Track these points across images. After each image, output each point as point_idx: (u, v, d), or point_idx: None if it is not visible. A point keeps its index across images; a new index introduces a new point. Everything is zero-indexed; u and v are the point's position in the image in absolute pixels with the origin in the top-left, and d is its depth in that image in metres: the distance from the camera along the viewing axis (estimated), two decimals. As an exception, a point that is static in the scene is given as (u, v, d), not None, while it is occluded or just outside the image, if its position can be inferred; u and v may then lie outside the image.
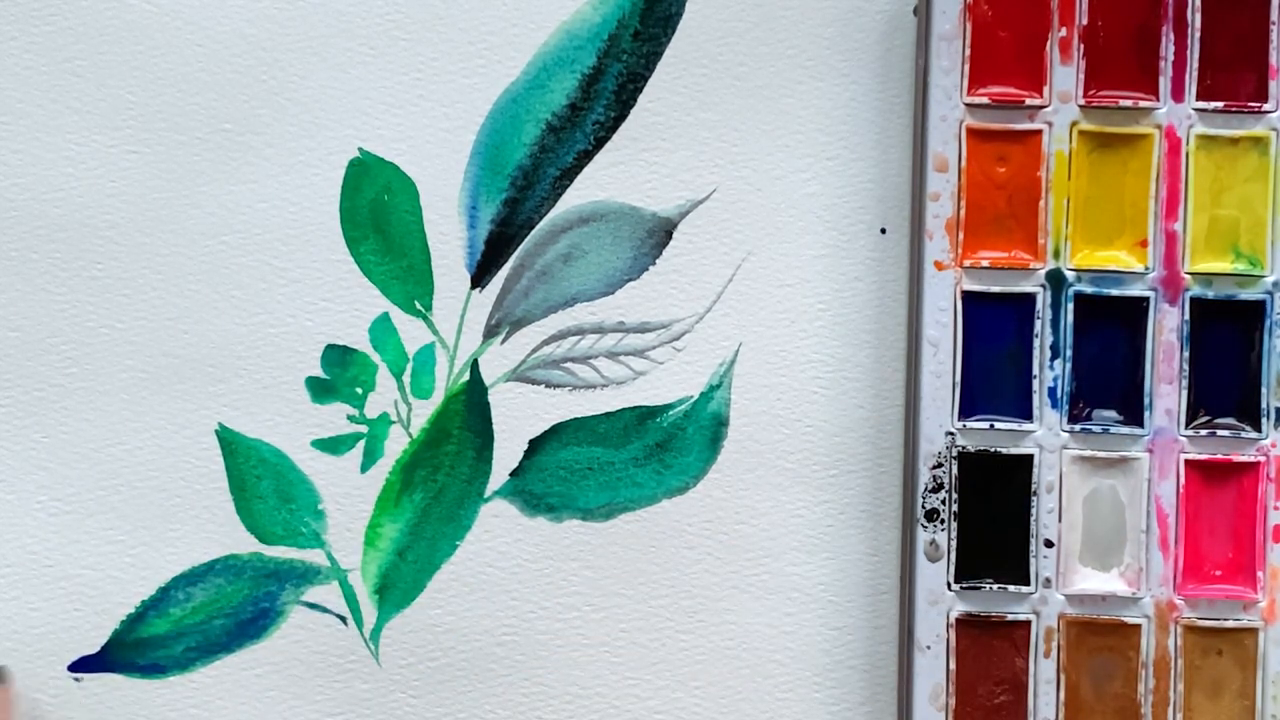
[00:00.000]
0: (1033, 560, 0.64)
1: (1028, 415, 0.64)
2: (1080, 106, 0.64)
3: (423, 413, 0.66)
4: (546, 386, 0.66)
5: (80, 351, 0.66)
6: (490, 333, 0.66)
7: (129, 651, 0.66)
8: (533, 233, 0.66)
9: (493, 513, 0.66)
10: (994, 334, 0.64)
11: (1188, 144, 0.64)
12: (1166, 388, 0.64)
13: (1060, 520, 0.64)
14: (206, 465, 0.66)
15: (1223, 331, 0.64)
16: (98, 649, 0.66)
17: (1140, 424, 0.64)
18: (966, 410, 0.64)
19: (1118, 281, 0.64)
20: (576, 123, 0.66)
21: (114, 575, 0.66)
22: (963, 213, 0.64)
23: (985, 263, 0.64)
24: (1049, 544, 0.64)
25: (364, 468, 0.66)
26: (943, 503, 0.64)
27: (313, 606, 0.66)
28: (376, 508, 0.66)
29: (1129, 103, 0.64)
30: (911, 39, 0.66)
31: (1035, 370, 0.64)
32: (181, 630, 0.66)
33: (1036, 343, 0.64)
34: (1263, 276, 0.64)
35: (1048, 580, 0.64)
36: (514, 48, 0.66)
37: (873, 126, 0.66)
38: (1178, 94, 0.64)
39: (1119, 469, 0.64)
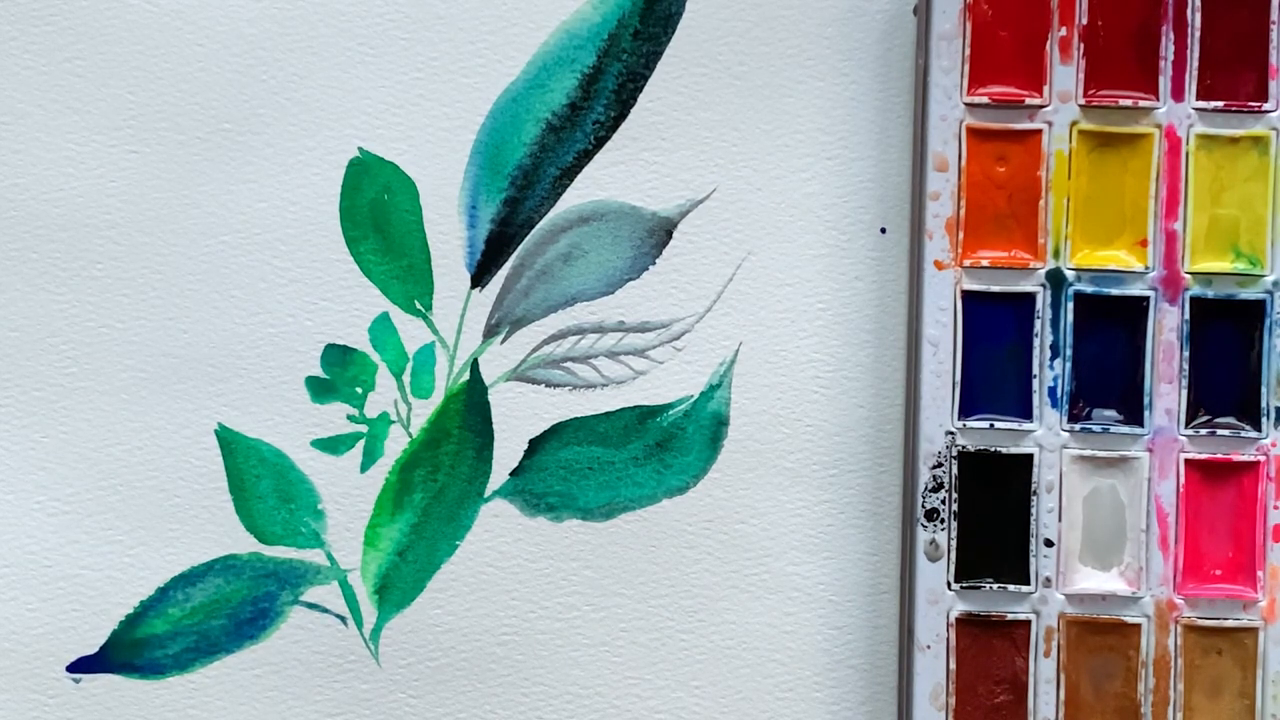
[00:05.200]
0: (1033, 560, 0.64)
1: (1028, 415, 0.64)
2: (1080, 106, 0.64)
3: (423, 412, 0.66)
4: (546, 386, 0.66)
5: (80, 351, 0.66)
6: (490, 332, 0.66)
7: (127, 652, 0.66)
8: (533, 232, 0.66)
9: (493, 513, 0.66)
10: (994, 333, 0.64)
11: (1188, 143, 0.64)
12: (1166, 387, 0.64)
13: (1060, 520, 0.64)
14: (206, 465, 0.66)
15: (1222, 331, 0.64)
16: (96, 649, 0.66)
17: (1140, 423, 0.64)
18: (966, 410, 0.64)
19: (1118, 281, 0.64)
20: (576, 122, 0.66)
21: (113, 575, 0.66)
22: (963, 212, 0.64)
23: (985, 262, 0.64)
24: (1049, 543, 0.64)
25: (364, 467, 0.66)
26: (943, 502, 0.64)
27: (312, 606, 0.66)
28: (376, 508, 0.66)
29: (1129, 102, 0.64)
30: (911, 39, 0.66)
31: (1035, 370, 0.64)
32: (180, 630, 0.66)
33: (1036, 342, 0.64)
34: (1263, 276, 0.64)
35: (1048, 580, 0.64)
36: (514, 48, 0.66)
37: (873, 126, 0.66)
38: (1178, 94, 0.64)
39: (1119, 468, 0.64)
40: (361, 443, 0.66)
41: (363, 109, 0.66)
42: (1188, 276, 0.64)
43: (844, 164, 0.66)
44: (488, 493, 0.66)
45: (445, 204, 0.66)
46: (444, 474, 0.66)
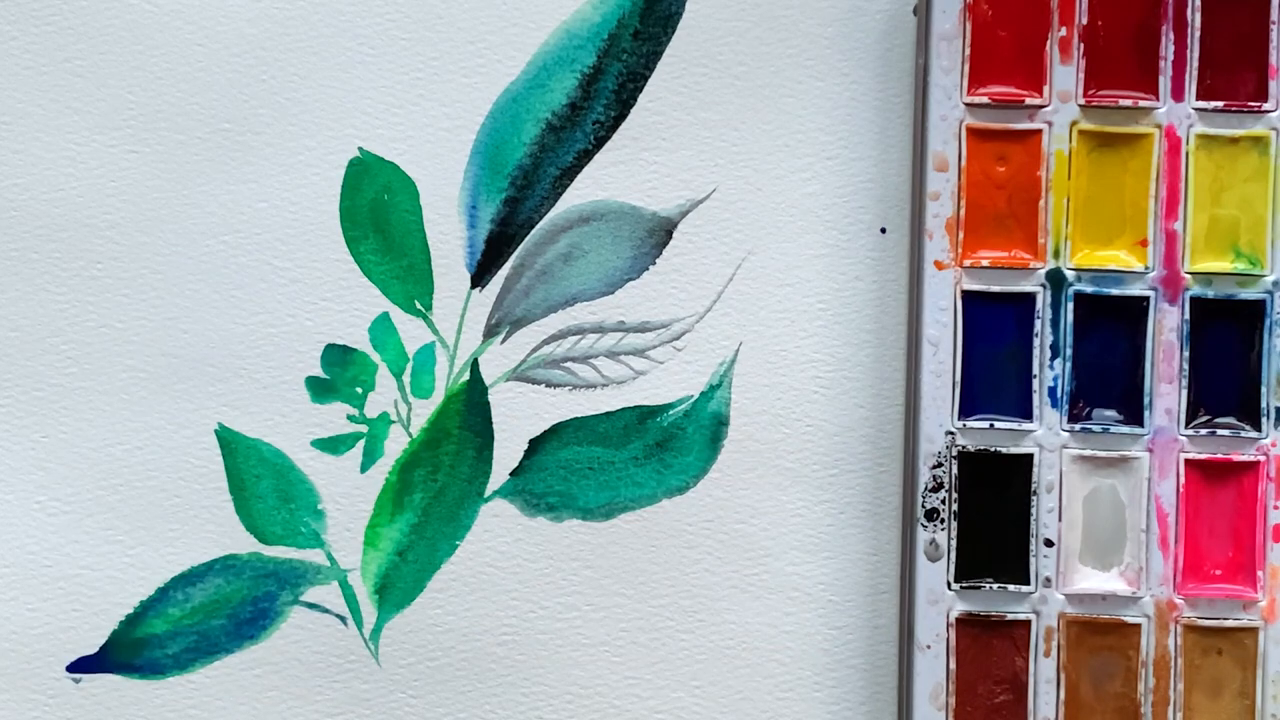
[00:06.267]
0: (1033, 560, 0.64)
1: (1028, 415, 0.64)
2: (1080, 106, 0.64)
3: (423, 412, 0.66)
4: (546, 386, 0.66)
5: (80, 351, 0.66)
6: (490, 332, 0.66)
7: (127, 652, 0.66)
8: (533, 232, 0.66)
9: (493, 513, 0.66)
10: (994, 333, 0.64)
11: (1188, 143, 0.64)
12: (1166, 387, 0.64)
13: (1060, 520, 0.64)
14: (206, 465, 0.66)
15: (1223, 331, 0.64)
16: (96, 649, 0.66)
17: (1140, 423, 0.64)
18: (966, 410, 0.64)
19: (1118, 281, 0.64)
20: (576, 122, 0.66)
21: (113, 575, 0.66)
22: (963, 212, 0.64)
23: (985, 262, 0.64)
24: (1049, 543, 0.64)
25: (364, 468, 0.66)
26: (943, 502, 0.64)
27: (312, 606, 0.66)
28: (376, 508, 0.66)
29: (1129, 102, 0.64)
30: (911, 39, 0.66)
31: (1035, 370, 0.64)
32: (180, 630, 0.66)
33: (1036, 342, 0.64)
34: (1263, 276, 0.64)
35: (1048, 580, 0.64)
36: (514, 48, 0.66)
37: (873, 126, 0.66)
38: (1178, 94, 0.64)
39: (1119, 468, 0.64)
40: (361, 443, 0.66)
41: (363, 109, 0.66)
42: (1188, 276, 0.64)
43: (844, 164, 0.66)
44: (488, 493, 0.66)
45: (445, 204, 0.66)
46: (444, 474, 0.66)
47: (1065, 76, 0.64)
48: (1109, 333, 0.64)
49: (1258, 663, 0.64)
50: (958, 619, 0.64)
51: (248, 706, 0.66)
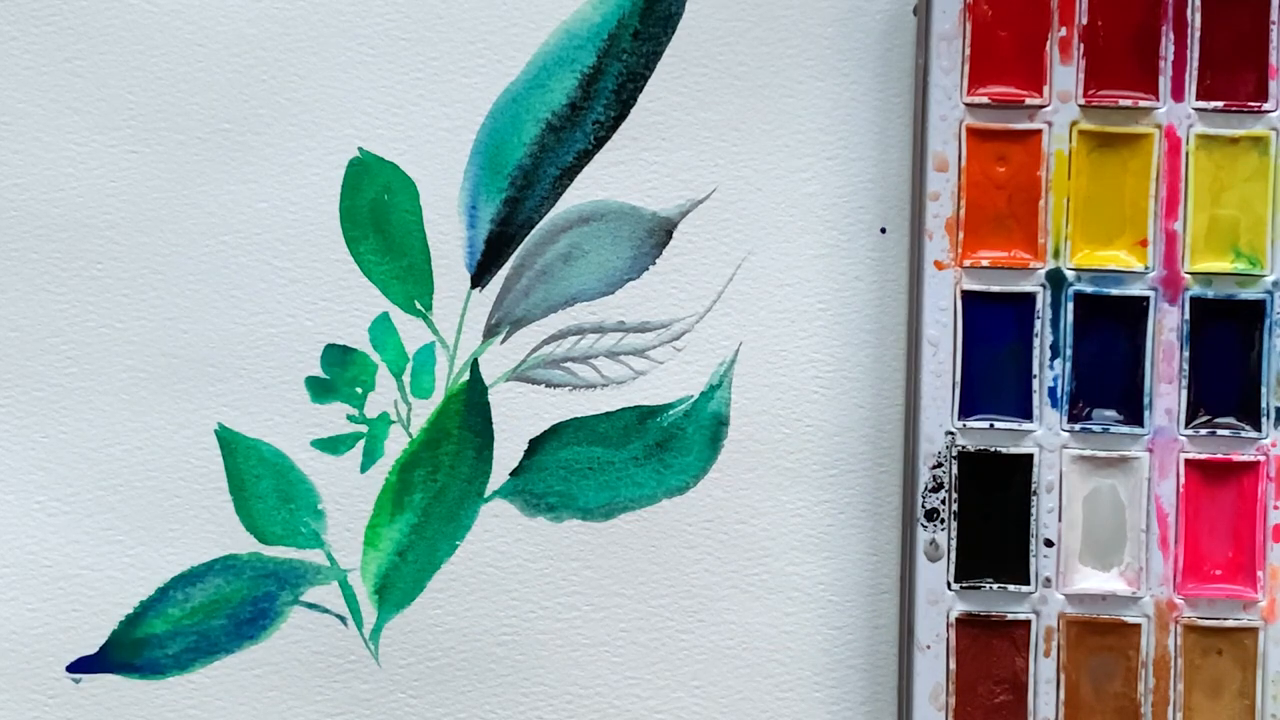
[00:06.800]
0: (1033, 560, 0.64)
1: (1028, 415, 0.64)
2: (1080, 106, 0.64)
3: (422, 412, 0.66)
4: (546, 386, 0.66)
5: (80, 351, 0.66)
6: (490, 332, 0.66)
7: (127, 652, 0.66)
8: (533, 232, 0.66)
9: (493, 513, 0.66)
10: (994, 333, 0.64)
11: (1188, 143, 0.64)
12: (1166, 387, 0.64)
13: (1060, 520, 0.64)
14: (206, 465, 0.66)
15: (1223, 331, 0.64)
16: (96, 649, 0.66)
17: (1140, 423, 0.64)
18: (966, 410, 0.64)
19: (1118, 281, 0.64)
20: (576, 122, 0.66)
21: (113, 575, 0.66)
22: (963, 212, 0.64)
23: (985, 262, 0.64)
24: (1049, 543, 0.64)
25: (364, 468, 0.66)
26: (943, 502, 0.64)
27: (312, 607, 0.66)
28: (376, 508, 0.66)
29: (1129, 102, 0.64)
30: (911, 39, 0.66)
31: (1035, 370, 0.64)
32: (180, 630, 0.66)
33: (1036, 342, 0.64)
34: (1263, 276, 0.64)
35: (1048, 580, 0.64)
36: (514, 48, 0.66)
37: (873, 126, 0.66)
38: (1178, 94, 0.64)
39: (1119, 468, 0.64)
40: (361, 443, 0.66)
41: (363, 109, 0.66)
42: (1188, 276, 0.64)
43: (844, 164, 0.66)
44: (488, 493, 0.66)
45: (445, 204, 0.66)
46: (444, 474, 0.66)
47: (1065, 76, 0.64)
48: (1109, 333, 0.64)
49: (1258, 663, 0.64)
50: (958, 619, 0.64)
51: (248, 706, 0.66)
